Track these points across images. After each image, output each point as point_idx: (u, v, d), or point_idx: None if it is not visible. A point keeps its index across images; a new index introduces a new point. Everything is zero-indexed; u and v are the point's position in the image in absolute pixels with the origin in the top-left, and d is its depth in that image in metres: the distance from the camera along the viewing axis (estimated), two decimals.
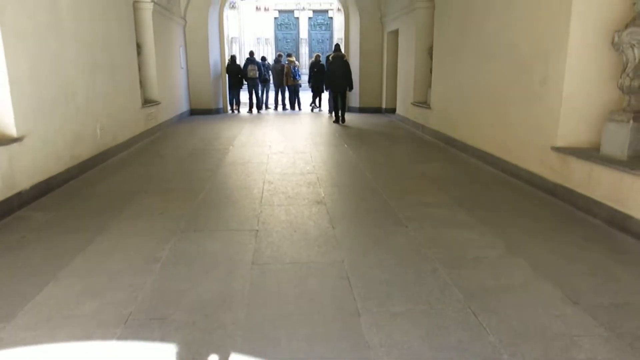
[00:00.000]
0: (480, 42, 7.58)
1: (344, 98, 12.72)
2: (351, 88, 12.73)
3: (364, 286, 3.08)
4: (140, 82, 10.66)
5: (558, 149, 5.41)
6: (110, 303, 2.88)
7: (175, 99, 12.91)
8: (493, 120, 7.15)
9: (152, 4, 10.68)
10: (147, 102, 10.68)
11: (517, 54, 6.36)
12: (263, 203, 5.13)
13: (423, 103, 11.16)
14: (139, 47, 10.42)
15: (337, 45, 13.25)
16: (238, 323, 2.62)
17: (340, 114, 12.56)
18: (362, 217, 4.73)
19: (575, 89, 5.27)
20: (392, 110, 14.25)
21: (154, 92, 11.04)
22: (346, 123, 12.60)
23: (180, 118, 13.32)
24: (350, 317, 2.69)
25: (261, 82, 16.10)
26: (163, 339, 2.48)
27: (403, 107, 12.67)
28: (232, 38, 40.45)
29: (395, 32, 13.66)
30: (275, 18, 41.69)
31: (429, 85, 10.82)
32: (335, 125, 12.21)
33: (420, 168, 7.05)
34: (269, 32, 41.55)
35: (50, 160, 5.85)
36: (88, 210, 4.98)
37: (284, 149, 8.61)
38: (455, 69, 8.82)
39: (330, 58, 12.89)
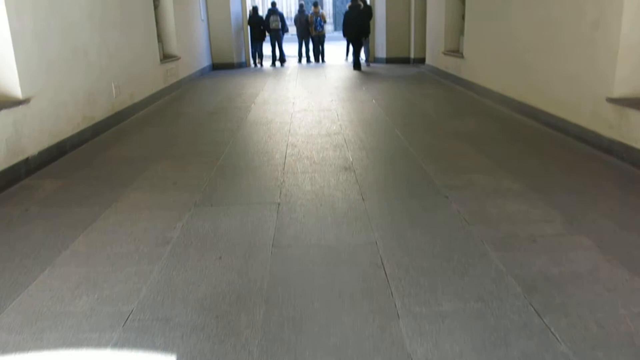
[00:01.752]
0: None
1: (359, 45, 13.25)
2: (366, 35, 13.32)
3: (402, 277, 2.63)
4: (159, 36, 10.16)
5: (614, 100, 4.78)
6: (109, 298, 2.51)
7: (196, 53, 12.37)
8: (536, 69, 6.46)
9: None
10: (166, 57, 10.20)
11: None
12: (286, 170, 4.68)
13: (455, 52, 10.39)
14: (157, 2, 9.86)
15: None
16: (254, 327, 2.21)
17: (354, 61, 13.33)
18: (396, 187, 4.24)
19: (635, 32, 4.58)
20: (421, 60, 13.45)
21: (173, 47, 10.53)
22: (374, 74, 11.94)
23: (202, 73, 12.81)
24: (388, 319, 2.25)
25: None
26: (165, 348, 2.10)
27: (433, 56, 11.88)
28: None
29: None
30: None
31: (461, 33, 10.02)
32: (362, 77, 11.56)
33: (456, 125, 6.46)
34: None
35: (60, 123, 5.47)
36: (98, 178, 4.61)
37: (309, 106, 8.08)
38: (490, 14, 8.04)
39: (348, 7, 13.17)
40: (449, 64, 10.52)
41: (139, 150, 5.65)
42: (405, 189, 4.15)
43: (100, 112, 6.52)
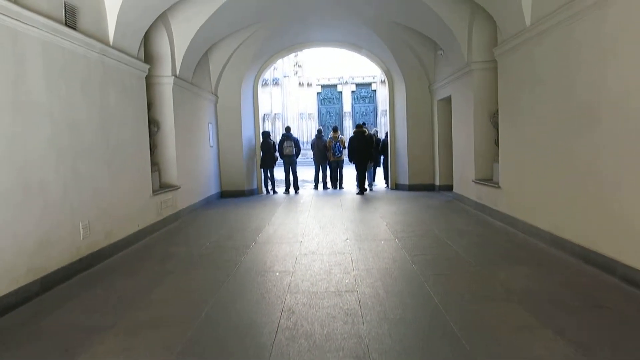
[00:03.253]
0: (569, 102, 5.73)
1: (364, 170, 13.66)
2: (372, 161, 14.09)
3: None
4: (157, 164, 9.29)
5: None
6: None
7: (200, 181, 11.46)
8: (597, 206, 5.13)
9: (173, 78, 9.46)
10: (163, 187, 9.24)
11: (629, 113, 4.46)
12: (272, 357, 3.24)
13: (488, 180, 9.21)
14: (156, 125, 9.11)
15: (359, 124, 14.14)
16: None
17: (360, 186, 13.58)
18: None
19: None
20: (448, 188, 12.31)
21: (172, 176, 9.59)
22: (396, 204, 10.78)
23: (207, 203, 11.80)
24: None
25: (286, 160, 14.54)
26: None
27: (462, 184, 10.72)
28: (275, 114, 40.12)
29: (448, 100, 11.98)
30: (318, 93, 41.30)
31: (496, 159, 8.92)
32: (383, 208, 10.36)
33: (502, 277, 5.02)
34: (312, 107, 41.05)
35: None
36: None
37: (318, 247, 6.77)
38: (532, 138, 6.94)
39: (353, 133, 13.89)
40: (482, 194, 9.29)
41: (91, 317, 4.30)
42: None
43: (56, 261, 5.29)
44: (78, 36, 5.85)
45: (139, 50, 7.78)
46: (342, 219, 9.12)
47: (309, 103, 40.98)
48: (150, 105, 9.04)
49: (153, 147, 9.08)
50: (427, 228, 7.94)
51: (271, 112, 40.21)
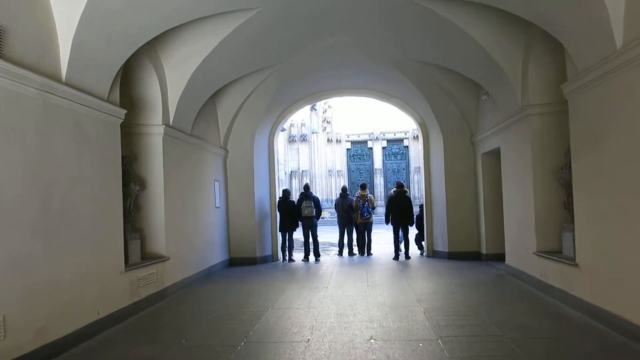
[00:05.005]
0: None
1: (405, 232, 12.31)
2: (411, 223, 12.48)
3: None
4: (141, 230, 7.62)
5: None
6: None
7: (200, 249, 9.68)
8: None
9: (164, 127, 7.91)
10: (148, 258, 7.53)
11: None
12: None
13: (556, 253, 7.15)
14: (139, 183, 7.48)
15: (399, 182, 13.39)
16: None
17: (398, 250, 12.25)
18: None
19: None
20: (498, 258, 10.24)
21: (160, 244, 7.88)
22: (435, 279, 8.77)
23: (208, 274, 9.97)
24: None
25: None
26: None
27: (517, 256, 8.63)
28: (302, 171, 38.75)
29: (495, 153, 10.10)
30: (347, 149, 39.93)
31: (565, 227, 6.91)
32: (419, 285, 8.31)
33: None
34: (342, 164, 39.57)
35: None
36: None
37: (330, 353, 4.81)
38: (629, 199, 4.95)
39: (392, 192, 13.04)
40: (547, 271, 7.21)
41: None
42: None
43: None
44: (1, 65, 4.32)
45: (110, 91, 6.25)
46: (367, 302, 7.12)
47: (338, 160, 39.63)
48: (133, 160, 7.46)
49: (135, 210, 7.42)
50: (480, 320, 5.88)
51: (298, 169, 38.96)
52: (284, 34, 8.40)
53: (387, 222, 12.68)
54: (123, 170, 6.99)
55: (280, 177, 36.92)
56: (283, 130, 35.24)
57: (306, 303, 7.18)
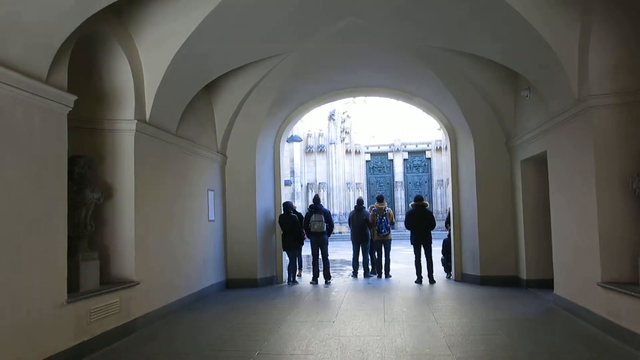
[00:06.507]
0: None
1: (426, 250, 10.70)
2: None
3: None
4: (106, 248, 6.22)
5: None
6: None
7: (186, 270, 8.17)
8: None
9: (136, 123, 6.49)
10: (110, 283, 6.09)
11: None
12: None
13: (630, 286, 5.47)
14: (99, 190, 6.02)
15: (419, 196, 11.66)
16: None
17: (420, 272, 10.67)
18: None
19: None
20: (542, 285, 8.52)
21: (128, 266, 6.42)
22: (467, 310, 7.13)
23: (196, 299, 8.44)
24: None
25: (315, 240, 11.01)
26: None
27: (573, 285, 6.93)
28: (319, 184, 37.19)
29: (538, 159, 8.45)
30: (367, 161, 38.27)
31: None
32: (446, 319, 6.67)
33: None
34: (361, 176, 37.91)
35: None
36: None
37: None
38: None
39: (411, 206, 11.48)
40: (619, 309, 5.51)
41: None
42: None
43: None
44: None
45: (51, 72, 4.84)
46: (382, 346, 5.50)
47: (357, 172, 37.97)
48: (94, 161, 6.03)
49: (95, 224, 5.98)
50: None
51: (315, 181, 37.44)
52: (282, 12, 6.94)
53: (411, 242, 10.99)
54: (78, 174, 5.63)
55: (296, 190, 35.57)
56: (299, 140, 33.82)
57: (304, 346, 5.59)
